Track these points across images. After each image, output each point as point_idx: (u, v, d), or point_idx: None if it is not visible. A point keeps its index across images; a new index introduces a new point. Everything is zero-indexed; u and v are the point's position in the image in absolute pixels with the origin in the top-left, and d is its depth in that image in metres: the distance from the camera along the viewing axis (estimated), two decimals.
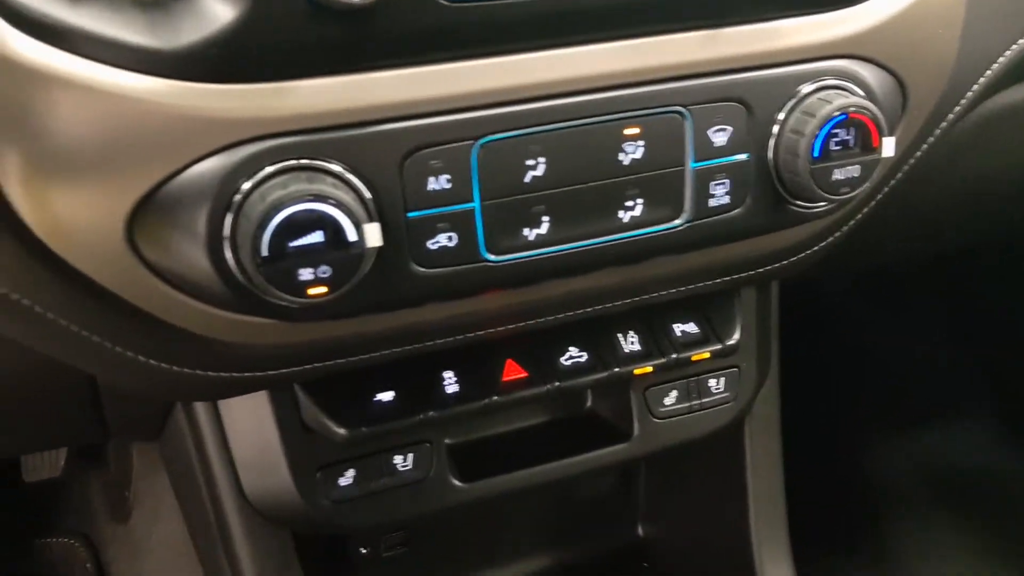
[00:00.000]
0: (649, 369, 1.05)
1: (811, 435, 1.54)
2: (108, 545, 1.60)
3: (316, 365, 0.89)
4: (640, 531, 1.49)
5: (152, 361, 0.84)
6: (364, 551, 1.27)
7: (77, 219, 0.71)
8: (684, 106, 0.81)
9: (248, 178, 0.70)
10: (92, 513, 1.64)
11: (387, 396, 0.98)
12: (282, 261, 0.69)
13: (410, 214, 0.76)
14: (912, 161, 1.01)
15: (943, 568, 1.72)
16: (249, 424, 1.00)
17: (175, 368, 0.85)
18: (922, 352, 2.01)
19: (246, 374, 0.87)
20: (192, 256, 0.72)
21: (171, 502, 1.28)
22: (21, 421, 1.14)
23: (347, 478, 1.01)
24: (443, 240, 0.78)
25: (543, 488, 1.12)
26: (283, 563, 1.09)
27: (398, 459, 1.02)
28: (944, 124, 1.00)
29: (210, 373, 0.86)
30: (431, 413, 0.98)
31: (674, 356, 1.06)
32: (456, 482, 1.07)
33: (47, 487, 1.66)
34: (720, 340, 1.09)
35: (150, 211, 0.71)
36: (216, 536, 1.08)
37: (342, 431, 0.96)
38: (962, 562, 1.73)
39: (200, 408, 1.03)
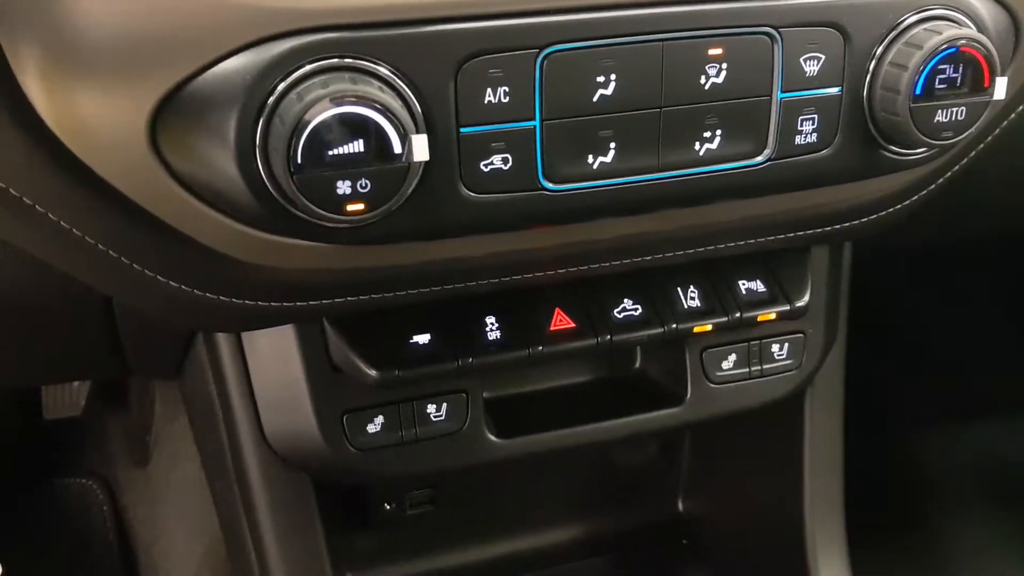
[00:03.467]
0: (709, 328, 0.99)
1: (863, 422, 1.47)
2: (125, 489, 1.60)
3: (349, 299, 0.84)
4: (680, 506, 1.42)
5: (173, 283, 0.79)
6: (388, 507, 1.22)
7: (98, 119, 0.67)
8: (775, 27, 0.74)
9: (284, 77, 0.65)
10: (111, 455, 1.64)
11: (424, 339, 0.92)
12: (318, 170, 0.64)
13: (463, 129, 0.70)
14: (1013, 116, 0.92)
15: (996, 565, 1.65)
16: (273, 360, 0.95)
17: (197, 292, 0.80)
18: (981, 343, 1.94)
19: (273, 304, 0.82)
20: (220, 164, 0.67)
21: (190, 447, 1.25)
22: (37, 348, 1.10)
23: (375, 425, 0.95)
24: (497, 162, 0.71)
25: (584, 450, 1.05)
26: (302, 512, 1.04)
27: (431, 408, 0.97)
28: None
29: (234, 300, 0.81)
30: (470, 360, 0.92)
31: (738, 315, 0.99)
32: (491, 437, 1.01)
33: (67, 426, 1.65)
34: (788, 301, 1.01)
35: (175, 112, 0.66)
36: (233, 480, 1.04)
37: (373, 373, 0.90)
38: (1016, 559, 1.65)
39: (222, 341, 0.98)
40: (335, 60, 0.65)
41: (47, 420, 1.62)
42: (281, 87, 0.64)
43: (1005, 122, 0.93)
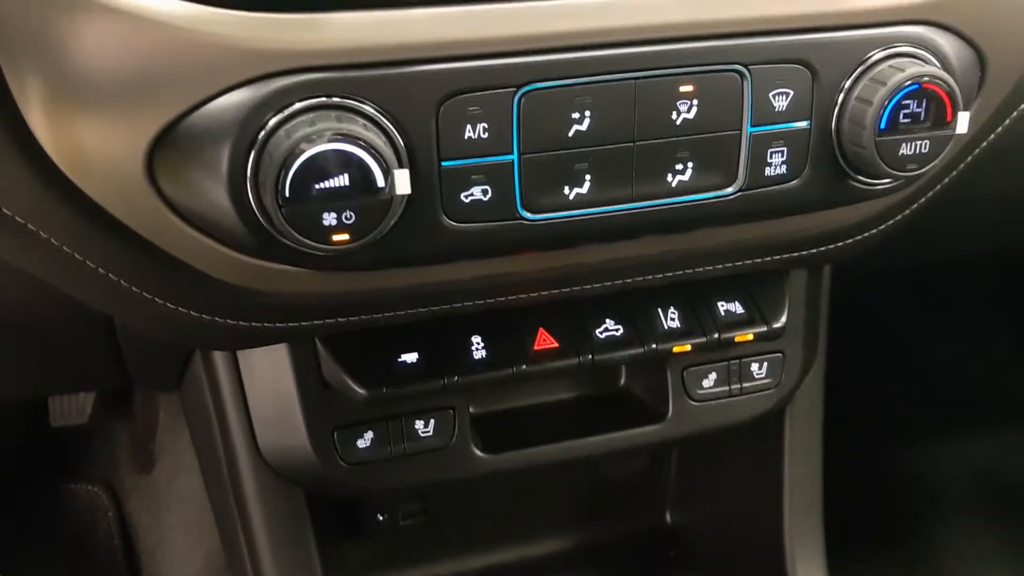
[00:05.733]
0: (688, 348, 1.01)
1: (853, 433, 1.49)
2: (130, 495, 1.61)
3: (338, 320, 0.86)
4: (668, 517, 1.44)
5: (169, 304, 0.81)
6: (381, 518, 1.24)
7: (97, 150, 0.69)
8: (744, 65, 0.77)
9: (274, 114, 0.67)
10: (117, 463, 1.65)
11: (411, 358, 0.95)
12: (305, 204, 0.67)
13: (444, 163, 0.72)
14: (984, 145, 0.95)
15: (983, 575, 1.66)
16: (267, 377, 0.98)
17: (192, 313, 0.82)
18: (973, 353, 1.95)
19: (265, 324, 0.85)
20: (213, 195, 0.70)
21: (193, 456, 1.27)
22: (42, 362, 1.13)
23: (365, 440, 0.98)
24: (477, 193, 0.74)
25: (569, 465, 1.08)
26: (295, 522, 1.07)
27: (419, 424, 0.99)
28: (1022, 107, 0.93)
29: (227, 321, 0.84)
30: (456, 378, 0.95)
31: (716, 336, 1.01)
32: (478, 452, 1.03)
33: (74, 434, 1.67)
34: (766, 322, 1.04)
35: (171, 145, 0.69)
36: (229, 491, 1.06)
37: (362, 391, 0.93)
38: (1010, 574, 1.66)
39: (218, 358, 1.00)
40: (322, 99, 0.68)
41: (54, 427, 1.65)
42: (271, 124, 0.67)
43: (977, 150, 0.95)
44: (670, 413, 1.08)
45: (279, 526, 1.06)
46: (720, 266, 0.95)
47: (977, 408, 1.90)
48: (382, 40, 0.69)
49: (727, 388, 1.09)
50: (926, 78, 0.77)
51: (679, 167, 0.78)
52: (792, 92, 0.78)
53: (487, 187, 0.74)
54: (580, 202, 0.77)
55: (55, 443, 1.69)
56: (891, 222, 0.97)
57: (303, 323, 0.85)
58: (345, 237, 0.68)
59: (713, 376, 1.08)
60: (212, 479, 1.14)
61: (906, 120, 0.78)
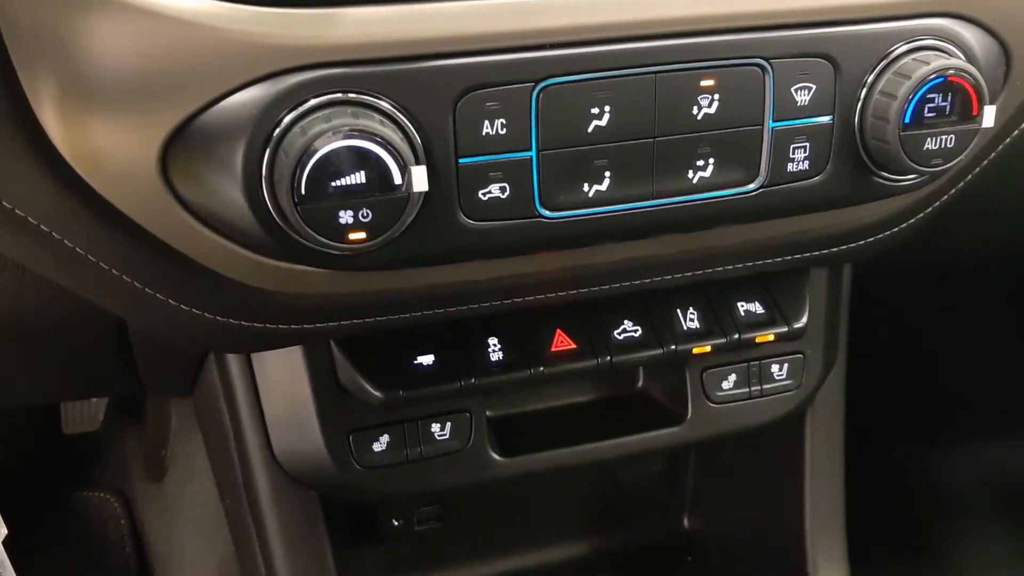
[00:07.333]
0: (707, 349, 1.00)
1: (871, 436, 1.47)
2: (142, 503, 1.61)
3: (354, 321, 0.86)
4: (686, 523, 1.43)
5: (183, 306, 0.81)
6: (396, 523, 1.23)
7: (111, 149, 0.69)
8: (765, 59, 0.76)
9: (289, 110, 0.67)
10: (128, 470, 1.65)
11: (428, 360, 0.94)
12: (321, 201, 0.66)
13: (462, 160, 0.71)
14: (1008, 140, 0.94)
15: None
16: (282, 381, 0.97)
17: (206, 315, 0.82)
18: (993, 357, 1.93)
19: (280, 326, 0.84)
20: (227, 193, 0.69)
21: (205, 462, 1.27)
22: (54, 368, 1.13)
23: (381, 444, 0.97)
24: (495, 191, 0.73)
25: (587, 469, 1.07)
26: (310, 529, 1.06)
27: (435, 427, 0.99)
28: None
29: (242, 323, 0.83)
30: (473, 380, 0.94)
31: (736, 336, 1.00)
32: (495, 456, 1.02)
33: (86, 441, 1.67)
34: (786, 322, 1.03)
35: (186, 143, 0.68)
36: (243, 496, 1.06)
37: (378, 394, 0.93)
38: None
39: (232, 361, 1.00)
40: (338, 95, 0.67)
41: (66, 434, 1.65)
42: (286, 121, 0.66)
43: (1001, 146, 0.94)
44: (689, 416, 1.07)
45: (293, 532, 1.05)
46: (741, 265, 0.94)
47: (1001, 411, 1.88)
48: (398, 35, 0.68)
49: (747, 390, 1.08)
50: (951, 71, 0.76)
51: (700, 163, 0.77)
52: (814, 86, 0.77)
53: (505, 184, 0.73)
54: (600, 199, 0.76)
55: (67, 450, 1.70)
56: (914, 220, 0.96)
57: (319, 325, 0.85)
58: (362, 235, 0.68)
59: (733, 378, 1.07)
60: (225, 485, 1.13)
61: (931, 114, 0.77)
